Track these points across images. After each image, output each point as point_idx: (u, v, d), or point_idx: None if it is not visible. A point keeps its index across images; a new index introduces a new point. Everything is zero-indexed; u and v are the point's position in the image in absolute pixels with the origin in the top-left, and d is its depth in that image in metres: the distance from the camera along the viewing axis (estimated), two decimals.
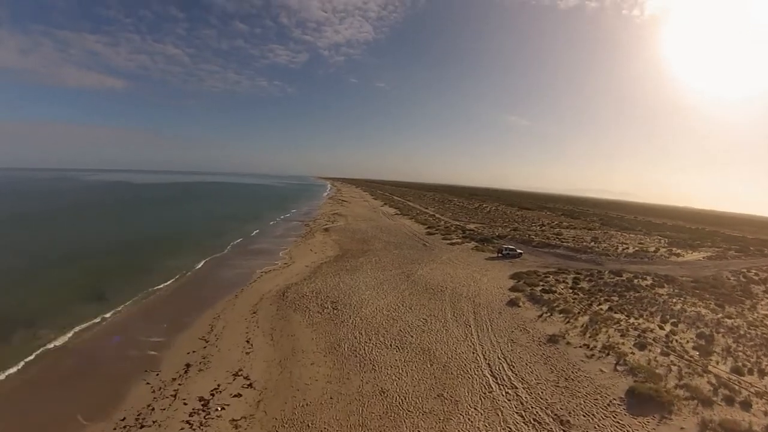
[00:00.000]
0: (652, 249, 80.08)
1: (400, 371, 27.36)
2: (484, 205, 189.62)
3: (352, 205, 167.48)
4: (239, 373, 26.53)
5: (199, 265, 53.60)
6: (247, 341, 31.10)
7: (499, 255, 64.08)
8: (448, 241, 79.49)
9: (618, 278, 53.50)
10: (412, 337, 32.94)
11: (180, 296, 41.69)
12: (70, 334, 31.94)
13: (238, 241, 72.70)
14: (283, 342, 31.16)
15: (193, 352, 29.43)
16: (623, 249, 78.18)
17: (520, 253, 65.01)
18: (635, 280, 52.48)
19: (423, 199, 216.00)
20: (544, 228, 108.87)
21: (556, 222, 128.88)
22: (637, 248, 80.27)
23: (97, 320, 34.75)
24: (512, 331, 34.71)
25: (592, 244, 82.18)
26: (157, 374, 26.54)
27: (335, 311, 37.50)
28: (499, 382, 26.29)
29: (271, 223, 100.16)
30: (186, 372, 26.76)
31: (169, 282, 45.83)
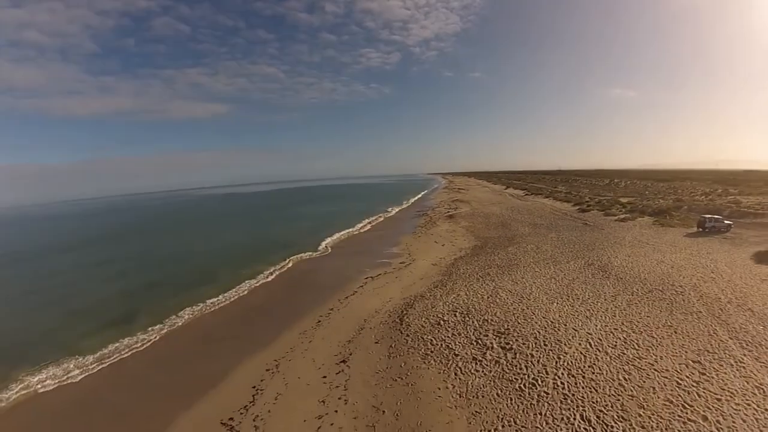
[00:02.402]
0: None
1: None
2: (616, 180, 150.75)
3: (472, 191, 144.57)
4: None
5: (277, 273, 38.21)
6: None
7: (702, 230, 46.08)
8: (615, 218, 56.09)
9: None
10: (705, 419, 11.66)
11: (228, 322, 25.89)
12: (26, 387, 18.27)
13: (339, 236, 57.05)
14: None
15: None
16: None
17: (729, 225, 46.24)
18: None
19: (544, 182, 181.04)
20: (710, 196, 77.95)
21: (719, 189, 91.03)
22: None
23: (87, 362, 20.76)
24: None
25: None
26: None
27: (509, 354, 17.27)
28: None
29: (382, 216, 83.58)
30: None
31: (226, 295, 31.22)
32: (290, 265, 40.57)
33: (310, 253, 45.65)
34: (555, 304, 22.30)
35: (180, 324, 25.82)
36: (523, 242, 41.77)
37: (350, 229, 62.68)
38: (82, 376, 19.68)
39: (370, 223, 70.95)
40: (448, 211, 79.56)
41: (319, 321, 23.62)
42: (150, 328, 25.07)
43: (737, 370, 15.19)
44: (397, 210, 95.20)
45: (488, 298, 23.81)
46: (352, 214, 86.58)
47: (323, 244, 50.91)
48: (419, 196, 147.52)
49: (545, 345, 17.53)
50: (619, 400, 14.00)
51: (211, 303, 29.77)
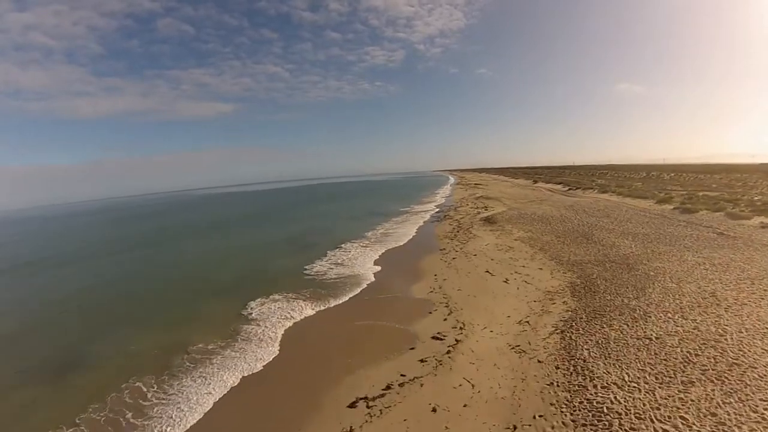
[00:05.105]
0: None
1: None
2: (653, 174, 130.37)
3: (493, 186, 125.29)
4: None
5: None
6: None
7: None
8: (751, 222, 35.22)
9: None
10: None
11: None
12: None
13: (334, 256, 38.32)
14: None
15: None
16: None
17: None
18: None
19: (569, 175, 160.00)
20: None
21: None
22: None
23: None
24: None
25: None
26: None
27: None
28: None
29: (393, 219, 64.50)
30: None
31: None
32: (219, 353, 21.78)
33: (279, 295, 26.89)
34: None
35: None
36: (657, 275, 22.35)
37: (352, 242, 44.06)
38: None
39: (379, 230, 52.04)
40: (479, 212, 60.50)
41: None
42: None
43: None
44: (411, 210, 75.67)
45: None
46: (357, 217, 68.64)
47: (307, 272, 32.31)
48: (433, 192, 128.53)
49: None
50: None
51: None
